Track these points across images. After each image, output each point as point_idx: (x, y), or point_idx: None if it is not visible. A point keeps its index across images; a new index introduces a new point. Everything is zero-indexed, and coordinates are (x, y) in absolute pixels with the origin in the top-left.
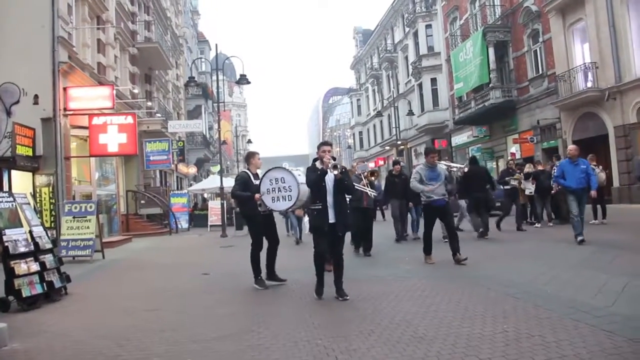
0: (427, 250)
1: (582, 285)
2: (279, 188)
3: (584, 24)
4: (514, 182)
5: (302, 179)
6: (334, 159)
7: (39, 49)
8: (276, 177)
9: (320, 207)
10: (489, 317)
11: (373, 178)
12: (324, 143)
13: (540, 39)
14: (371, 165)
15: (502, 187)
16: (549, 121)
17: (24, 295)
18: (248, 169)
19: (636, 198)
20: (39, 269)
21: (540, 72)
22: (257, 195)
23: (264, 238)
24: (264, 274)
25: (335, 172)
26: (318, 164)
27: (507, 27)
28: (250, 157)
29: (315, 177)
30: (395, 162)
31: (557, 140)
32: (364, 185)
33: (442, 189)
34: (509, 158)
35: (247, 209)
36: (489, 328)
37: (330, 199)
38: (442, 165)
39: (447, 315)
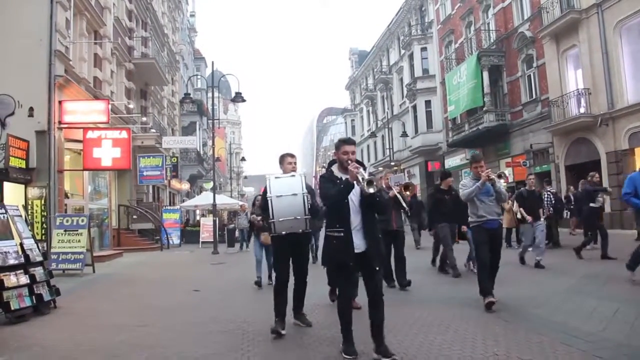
0: (487, 289)
1: (573, 310)
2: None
3: (578, 51)
4: (600, 199)
5: (280, 187)
6: (362, 165)
7: (36, 62)
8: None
9: (343, 233)
10: (479, 340)
11: (407, 193)
12: (346, 141)
13: (534, 64)
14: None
15: (589, 205)
16: (542, 146)
17: (12, 308)
18: None
19: (627, 224)
20: (28, 281)
21: (534, 96)
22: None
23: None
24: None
25: (371, 190)
26: (337, 171)
27: (501, 51)
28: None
29: (336, 192)
30: (445, 175)
31: (550, 164)
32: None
33: (496, 207)
34: (591, 173)
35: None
36: (480, 351)
37: (356, 220)
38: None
39: (437, 338)
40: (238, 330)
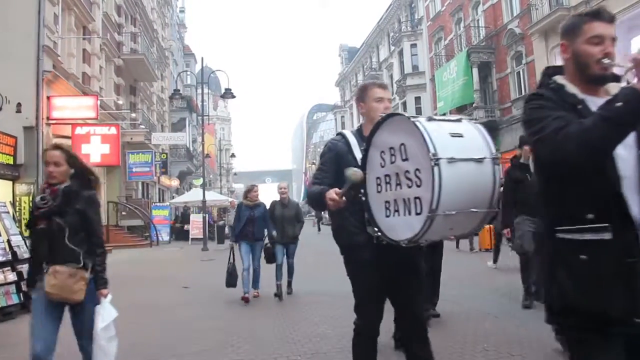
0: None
1: None
2: (396, 174)
3: None
4: None
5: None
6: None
7: (24, 57)
8: (392, 144)
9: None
10: (469, 335)
11: None
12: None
13: (524, 61)
14: None
15: None
16: None
17: None
18: (351, 133)
19: None
20: (16, 278)
21: (524, 93)
22: (336, 196)
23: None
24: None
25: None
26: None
27: (491, 48)
28: (364, 91)
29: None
30: (524, 141)
31: None
32: None
33: None
34: None
35: (337, 231)
36: (469, 346)
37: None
38: None
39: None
40: (228, 327)
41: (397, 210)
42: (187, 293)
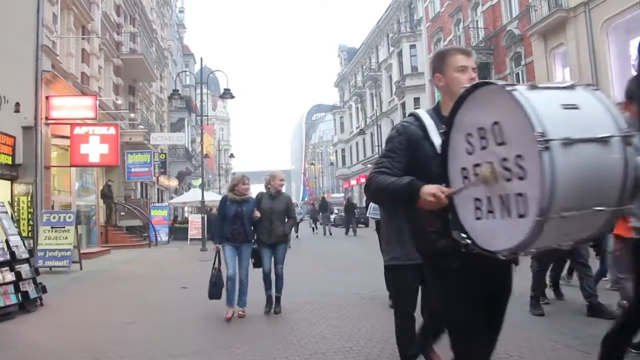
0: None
1: (560, 306)
2: (490, 164)
3: (565, 49)
4: None
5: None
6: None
7: (22, 57)
8: (482, 123)
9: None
10: None
11: None
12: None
13: (523, 62)
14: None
15: None
16: None
17: None
18: (425, 113)
19: None
20: (14, 279)
21: None
22: (442, 194)
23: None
24: None
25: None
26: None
27: (490, 49)
28: (442, 59)
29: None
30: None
31: None
32: None
33: None
34: None
35: (416, 239)
36: None
37: None
38: None
39: None
40: (226, 327)
41: (491, 211)
42: (186, 293)
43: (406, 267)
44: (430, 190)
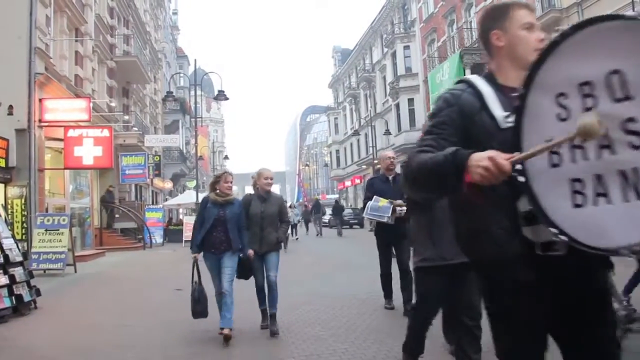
0: None
1: None
2: None
3: None
4: None
5: None
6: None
7: (15, 59)
8: (588, 76)
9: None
10: None
11: None
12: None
13: None
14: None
15: None
16: None
17: None
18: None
19: None
20: (8, 282)
21: None
22: (503, 161)
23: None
24: None
25: None
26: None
27: (484, 50)
28: (502, 13)
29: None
30: None
31: None
32: None
33: None
34: None
35: (472, 238)
36: None
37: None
38: None
39: None
40: None
41: (603, 194)
42: (180, 295)
43: (439, 268)
44: (483, 154)
